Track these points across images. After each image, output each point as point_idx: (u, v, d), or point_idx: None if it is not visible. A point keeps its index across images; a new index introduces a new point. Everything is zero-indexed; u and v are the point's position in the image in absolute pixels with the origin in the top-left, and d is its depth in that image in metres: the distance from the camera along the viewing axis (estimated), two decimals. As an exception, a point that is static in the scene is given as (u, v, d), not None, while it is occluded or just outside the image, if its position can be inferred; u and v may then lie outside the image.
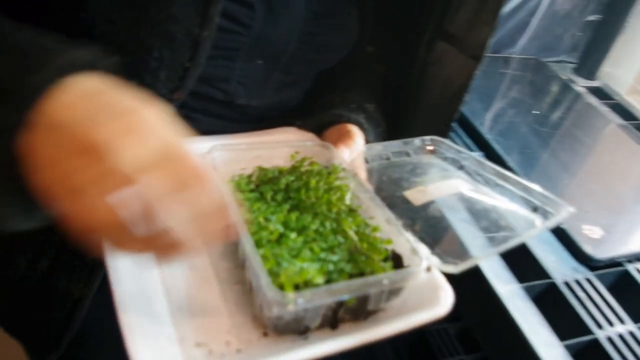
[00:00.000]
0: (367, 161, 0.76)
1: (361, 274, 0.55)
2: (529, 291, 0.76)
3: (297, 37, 0.72)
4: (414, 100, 0.93)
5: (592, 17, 1.66)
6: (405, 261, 0.58)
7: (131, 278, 0.54)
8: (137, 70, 0.57)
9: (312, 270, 0.52)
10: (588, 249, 0.83)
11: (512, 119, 1.23)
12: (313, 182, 0.64)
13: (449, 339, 1.06)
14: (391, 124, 0.89)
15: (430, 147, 0.79)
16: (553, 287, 0.77)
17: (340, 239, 0.57)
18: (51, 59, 0.43)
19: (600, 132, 1.30)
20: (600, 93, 1.47)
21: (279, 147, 0.72)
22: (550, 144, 1.19)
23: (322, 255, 0.55)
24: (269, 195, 0.63)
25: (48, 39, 0.46)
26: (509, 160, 1.02)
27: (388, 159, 0.77)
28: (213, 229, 0.45)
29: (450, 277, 0.60)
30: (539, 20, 1.53)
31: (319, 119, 0.79)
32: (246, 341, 0.54)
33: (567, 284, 0.78)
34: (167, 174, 0.41)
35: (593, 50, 1.54)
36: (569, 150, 1.16)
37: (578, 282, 0.79)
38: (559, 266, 0.81)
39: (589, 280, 0.80)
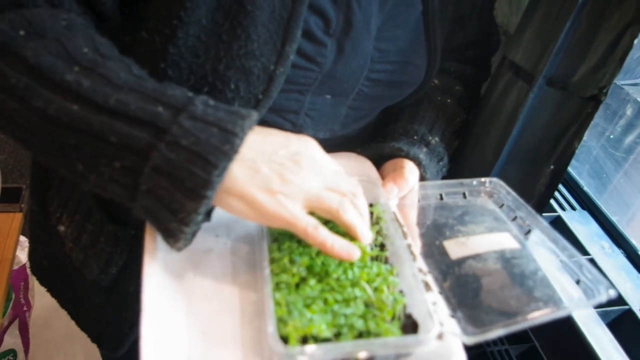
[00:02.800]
0: (419, 199, 0.75)
1: (369, 332, 0.53)
2: (604, 317, 0.76)
3: (365, 74, 0.74)
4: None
5: (670, 40, 1.63)
6: (420, 324, 0.55)
7: (162, 291, 0.56)
8: (214, 99, 0.60)
9: (320, 325, 0.51)
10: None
11: (586, 143, 1.22)
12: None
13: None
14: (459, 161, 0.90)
15: (487, 189, 0.77)
16: (629, 314, 0.76)
17: (357, 292, 0.56)
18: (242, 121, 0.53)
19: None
20: (677, 117, 1.43)
21: None
22: (625, 167, 1.17)
23: (336, 307, 0.54)
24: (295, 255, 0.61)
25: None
26: (583, 184, 1.02)
27: (442, 198, 0.75)
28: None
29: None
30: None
31: (379, 149, 0.80)
32: None
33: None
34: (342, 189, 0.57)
35: (671, 73, 1.50)
36: (643, 174, 1.14)
37: (655, 309, 0.78)
38: (635, 292, 0.80)
39: (667, 308, 0.78)
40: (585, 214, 0.98)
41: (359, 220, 0.57)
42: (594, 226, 0.96)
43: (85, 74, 0.51)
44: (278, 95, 0.66)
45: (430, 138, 0.82)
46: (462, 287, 0.61)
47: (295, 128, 0.75)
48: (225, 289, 0.60)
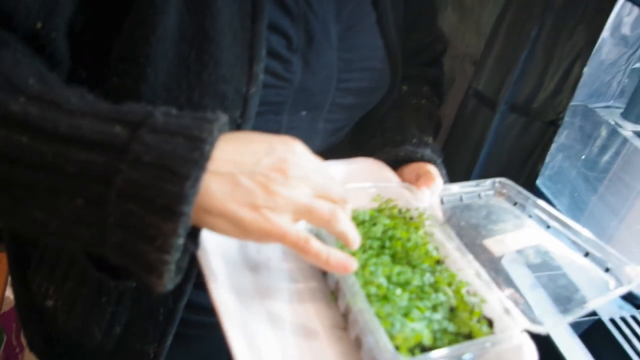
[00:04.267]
0: (442, 202, 0.75)
1: (458, 333, 0.54)
2: (575, 327, 0.78)
3: (334, 85, 0.76)
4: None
5: (637, 65, 1.69)
6: (495, 321, 0.56)
7: (235, 312, 0.55)
8: None
9: (424, 332, 0.52)
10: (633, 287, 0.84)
11: (561, 164, 1.27)
12: (406, 233, 0.63)
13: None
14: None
15: (501, 190, 0.80)
16: (599, 324, 0.79)
17: (441, 296, 0.56)
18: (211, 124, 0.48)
19: (647, 175, 1.31)
20: (648, 137, 1.49)
21: (362, 186, 0.72)
22: (598, 187, 1.21)
23: (427, 314, 0.54)
24: (366, 243, 0.62)
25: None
26: (557, 203, 1.06)
27: (462, 200, 0.77)
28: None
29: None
30: (587, 68, 1.57)
31: (393, 153, 0.80)
32: None
33: (613, 321, 0.80)
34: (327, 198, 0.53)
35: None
36: (616, 194, 1.18)
37: (624, 320, 0.81)
38: (605, 304, 0.83)
39: (634, 318, 0.82)
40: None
41: (351, 228, 0.54)
42: (566, 242, 0.99)
43: (32, 103, 0.46)
44: (256, 119, 0.66)
45: (426, 139, 0.84)
46: (515, 282, 0.63)
47: None
48: (294, 305, 0.58)
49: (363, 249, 0.61)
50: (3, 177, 0.45)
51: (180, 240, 0.44)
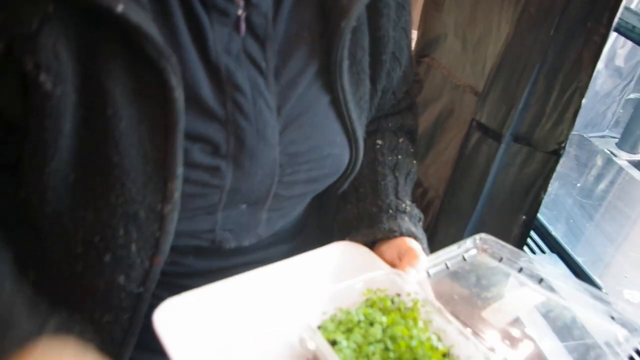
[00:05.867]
0: (428, 274, 0.71)
1: None
2: (571, 350, 0.82)
3: (276, 180, 0.68)
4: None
5: (632, 96, 1.76)
6: None
7: None
8: (107, 247, 0.58)
9: None
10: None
11: (557, 192, 1.32)
12: (406, 330, 0.60)
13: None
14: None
15: (483, 246, 0.76)
16: (595, 347, 0.83)
17: None
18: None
19: (642, 203, 1.37)
20: (642, 166, 1.55)
21: (350, 284, 0.67)
22: (594, 215, 1.26)
23: None
24: (368, 349, 0.59)
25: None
26: (553, 230, 1.11)
27: (447, 267, 0.73)
28: None
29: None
30: None
31: (369, 234, 0.75)
32: None
33: (608, 345, 0.84)
34: None
35: (634, 125, 1.63)
36: (611, 221, 1.23)
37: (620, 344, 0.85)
38: (601, 329, 0.87)
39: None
40: (555, 256, 1.07)
41: None
42: (562, 267, 1.04)
43: None
44: (185, 220, 0.62)
45: (403, 205, 0.78)
46: (523, 352, 0.63)
47: (215, 244, 0.70)
48: None
49: (367, 355, 0.58)
50: None
51: None
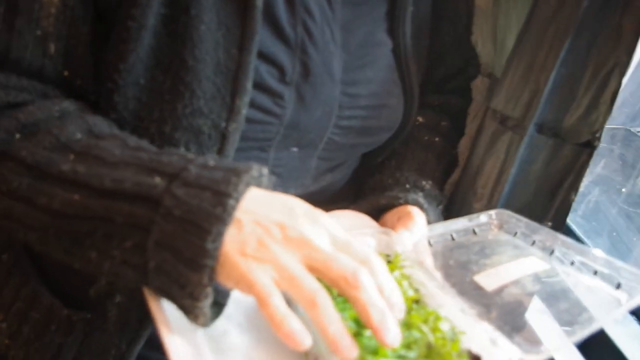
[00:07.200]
0: (430, 243, 0.72)
1: None
2: (559, 313, 0.69)
3: (333, 122, 0.71)
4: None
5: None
6: (484, 355, 0.55)
7: None
8: None
9: None
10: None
11: (597, 199, 1.17)
12: None
13: None
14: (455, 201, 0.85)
15: (495, 222, 0.75)
16: (585, 311, 0.69)
17: (415, 334, 0.55)
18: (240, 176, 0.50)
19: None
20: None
21: None
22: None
23: (402, 352, 0.53)
24: (334, 292, 0.60)
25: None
26: (593, 245, 0.96)
27: (453, 239, 0.73)
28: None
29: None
30: (626, 85, 1.49)
31: (374, 201, 0.77)
32: None
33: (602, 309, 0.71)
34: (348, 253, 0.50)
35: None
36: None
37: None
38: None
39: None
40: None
41: (330, 324, 0.47)
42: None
43: (80, 159, 0.52)
44: (237, 154, 0.63)
45: (423, 183, 0.80)
46: (511, 314, 0.61)
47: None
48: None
49: (333, 293, 0.57)
50: (65, 228, 0.51)
51: (208, 289, 0.48)
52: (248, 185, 0.50)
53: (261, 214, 0.50)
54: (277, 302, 0.47)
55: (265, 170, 0.52)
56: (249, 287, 0.47)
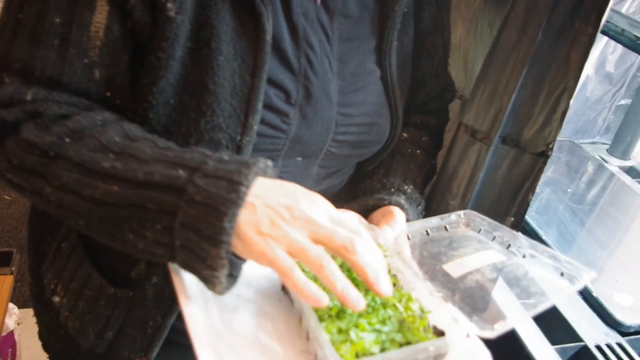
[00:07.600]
0: (409, 237, 0.81)
1: (408, 342, 0.61)
2: (562, 353, 0.81)
3: (331, 137, 0.81)
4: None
5: (623, 102, 1.76)
6: (447, 330, 0.63)
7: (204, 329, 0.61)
8: None
9: (370, 340, 0.58)
10: (619, 315, 0.88)
11: (548, 197, 1.32)
12: None
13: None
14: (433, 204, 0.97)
15: (464, 220, 0.86)
16: (586, 350, 0.82)
17: (390, 312, 0.63)
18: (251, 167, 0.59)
19: (633, 208, 1.36)
20: (633, 172, 1.55)
21: None
22: (586, 221, 1.26)
23: (378, 326, 0.61)
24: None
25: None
26: (544, 234, 1.10)
27: (428, 234, 0.83)
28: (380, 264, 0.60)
29: (489, 342, 0.64)
30: (573, 103, 1.64)
31: (364, 202, 0.86)
32: None
33: (598, 348, 0.83)
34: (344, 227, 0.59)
35: (625, 131, 1.62)
36: (602, 226, 1.22)
37: (609, 346, 0.84)
38: (591, 331, 0.86)
39: (620, 345, 0.85)
40: (546, 261, 1.06)
41: (338, 281, 0.56)
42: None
43: (118, 158, 0.60)
44: None
45: (405, 187, 0.89)
46: (471, 297, 0.70)
47: None
48: (264, 342, 0.64)
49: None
50: (107, 214, 0.60)
51: (225, 261, 0.56)
52: (256, 175, 0.58)
53: (270, 198, 0.58)
54: (298, 274, 0.55)
55: (269, 163, 0.61)
56: (269, 262, 0.56)
